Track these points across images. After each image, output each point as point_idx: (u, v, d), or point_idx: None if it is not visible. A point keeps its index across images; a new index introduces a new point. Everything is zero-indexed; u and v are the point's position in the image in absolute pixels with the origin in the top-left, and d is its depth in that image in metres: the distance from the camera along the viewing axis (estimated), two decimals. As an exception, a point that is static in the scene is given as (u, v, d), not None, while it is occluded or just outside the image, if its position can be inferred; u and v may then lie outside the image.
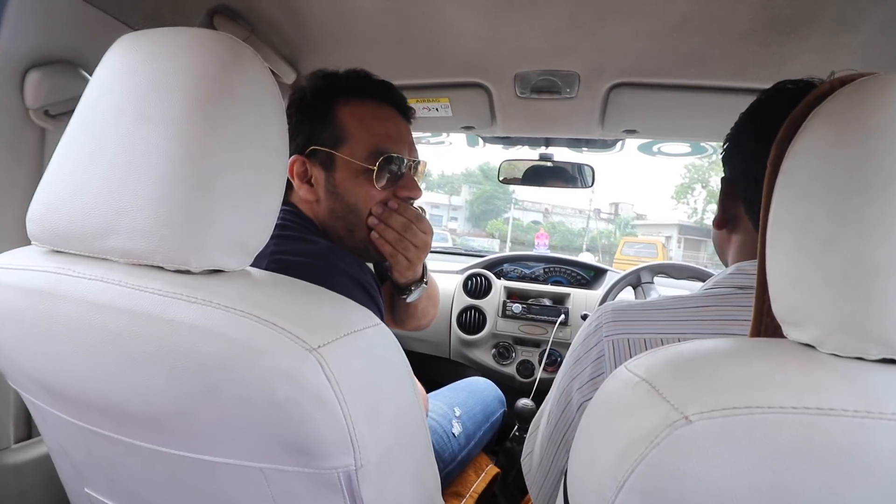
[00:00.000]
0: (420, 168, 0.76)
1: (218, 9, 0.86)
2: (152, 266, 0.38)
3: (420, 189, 0.73)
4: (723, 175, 0.60)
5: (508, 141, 1.47)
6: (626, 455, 0.28)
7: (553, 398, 0.61)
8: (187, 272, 0.38)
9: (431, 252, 2.15)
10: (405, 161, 0.70)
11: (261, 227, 0.41)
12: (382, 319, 0.65)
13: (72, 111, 0.56)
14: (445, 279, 1.67)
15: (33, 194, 0.44)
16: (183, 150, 0.37)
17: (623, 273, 1.31)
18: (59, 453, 0.54)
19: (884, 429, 0.26)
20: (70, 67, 0.73)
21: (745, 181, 0.56)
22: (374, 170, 0.67)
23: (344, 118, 0.69)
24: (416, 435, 0.44)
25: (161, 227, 0.36)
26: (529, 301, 1.56)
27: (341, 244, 0.70)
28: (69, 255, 0.42)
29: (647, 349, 0.40)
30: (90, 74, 0.76)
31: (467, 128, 1.34)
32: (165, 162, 0.37)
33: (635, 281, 1.37)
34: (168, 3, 0.81)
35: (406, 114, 0.75)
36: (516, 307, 1.54)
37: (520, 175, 1.52)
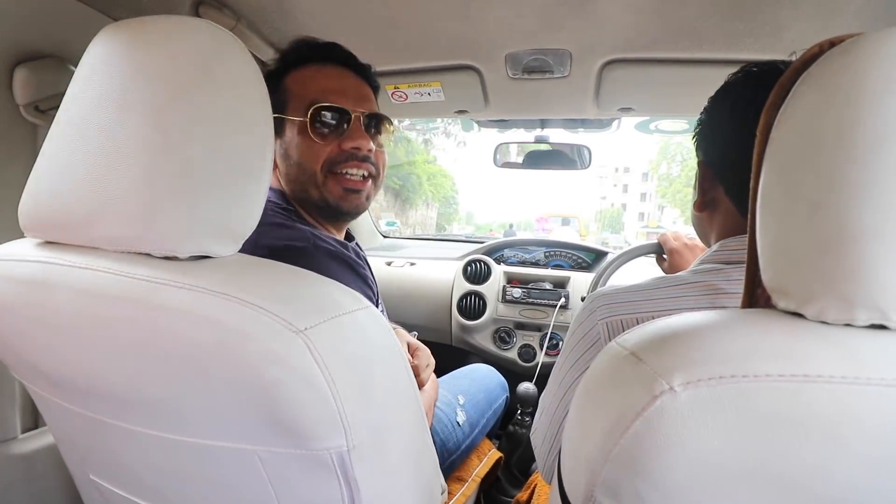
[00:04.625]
0: (380, 123, 0.74)
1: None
2: (140, 253, 0.38)
3: (367, 139, 0.70)
4: (698, 159, 0.61)
5: (503, 124, 1.45)
6: (613, 427, 0.28)
7: (555, 381, 0.62)
8: (175, 258, 0.38)
9: (430, 239, 2.16)
10: (347, 111, 0.69)
11: (248, 212, 0.41)
12: (376, 296, 0.66)
13: (58, 104, 0.56)
14: (445, 266, 1.67)
15: (19, 184, 0.44)
16: (166, 138, 0.36)
17: (615, 254, 1.30)
18: (64, 442, 0.55)
19: (871, 394, 0.25)
20: (58, 62, 0.72)
21: (722, 162, 0.57)
22: (313, 122, 0.67)
23: (288, 83, 0.72)
24: (411, 417, 0.44)
25: (146, 214, 0.36)
26: (529, 285, 1.56)
27: (306, 209, 0.72)
28: (60, 245, 0.42)
29: None
30: (74, 66, 0.75)
31: (461, 112, 1.33)
32: (149, 149, 0.36)
33: (624, 262, 1.36)
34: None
35: (358, 70, 0.75)
36: (516, 292, 1.54)
37: (516, 159, 1.51)
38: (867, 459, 0.26)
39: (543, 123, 1.43)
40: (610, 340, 0.52)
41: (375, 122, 0.73)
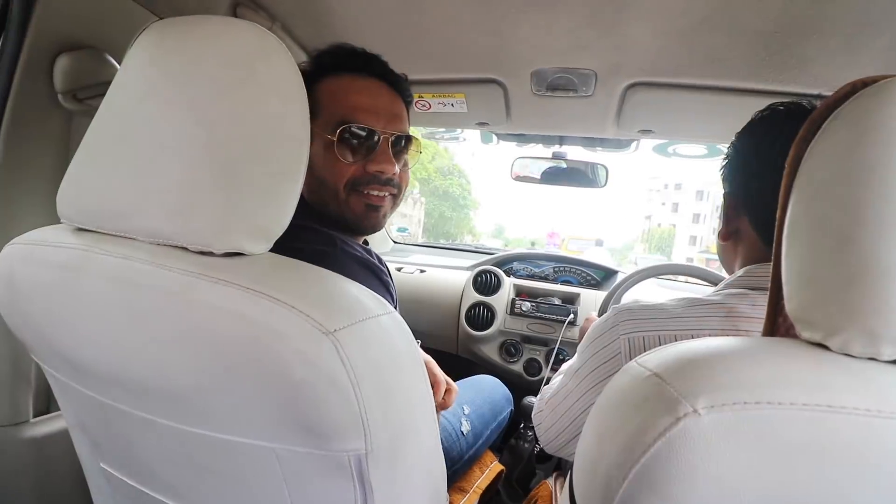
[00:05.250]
0: (408, 144, 0.72)
1: (241, 1, 0.87)
2: (176, 246, 0.39)
3: (392, 164, 0.68)
4: (723, 191, 0.63)
5: (522, 138, 1.46)
6: (633, 446, 0.28)
7: (567, 380, 0.65)
8: (210, 254, 0.38)
9: (441, 248, 2.16)
10: (375, 133, 0.66)
11: (281, 212, 0.42)
12: (395, 302, 0.66)
13: (99, 95, 0.58)
14: (455, 275, 1.67)
15: (60, 173, 0.45)
16: (208, 135, 0.37)
17: (628, 273, 1.30)
18: (77, 428, 0.56)
19: (893, 428, 0.26)
20: (97, 53, 0.74)
21: (748, 195, 0.59)
22: (334, 141, 0.64)
23: (319, 93, 0.68)
24: (426, 424, 0.44)
25: (186, 208, 0.37)
26: (538, 299, 1.56)
27: (324, 219, 0.69)
28: (96, 233, 0.43)
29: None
30: (117, 60, 0.78)
31: (482, 124, 1.34)
32: (191, 146, 0.37)
33: (641, 281, 1.36)
34: None
35: (396, 86, 0.72)
36: (525, 305, 1.54)
37: (533, 174, 1.52)
38: (888, 491, 0.26)
39: (562, 140, 1.44)
40: (630, 356, 0.53)
41: (403, 143, 0.71)
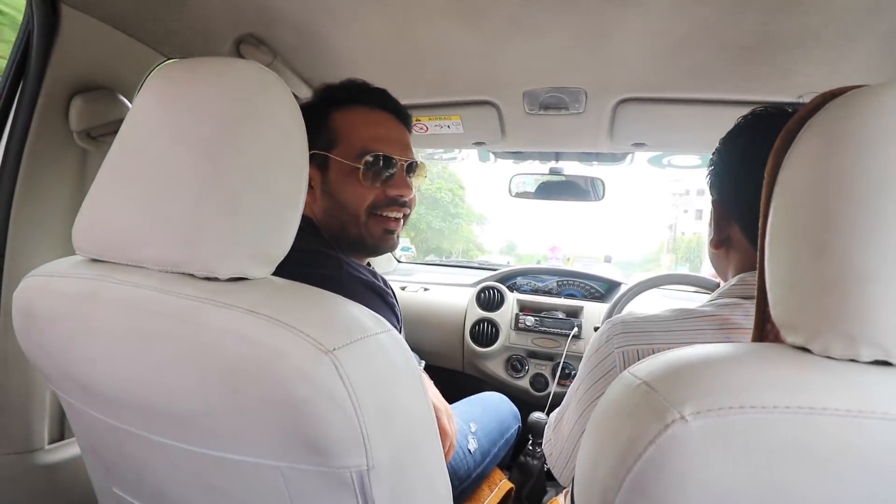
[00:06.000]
0: (417, 169, 0.80)
1: (243, 38, 0.91)
2: (184, 273, 0.41)
3: (410, 188, 0.76)
4: (712, 198, 0.63)
5: (519, 155, 1.49)
6: (625, 454, 0.29)
7: (569, 402, 0.65)
8: (215, 279, 0.40)
9: (444, 265, 2.18)
10: (394, 161, 0.74)
11: (282, 237, 0.44)
12: (400, 323, 0.68)
13: (111, 133, 0.61)
14: (458, 292, 1.68)
15: (75, 208, 0.47)
16: (213, 169, 0.40)
17: (629, 286, 1.30)
18: (90, 453, 0.57)
19: (876, 427, 0.27)
20: (110, 93, 0.78)
21: (736, 201, 0.59)
22: (360, 168, 0.71)
23: (337, 123, 0.74)
24: (428, 441, 0.45)
25: (193, 237, 0.39)
26: (542, 314, 1.57)
27: (339, 242, 0.74)
28: (109, 263, 0.45)
29: None
30: (128, 99, 0.81)
31: (478, 143, 1.37)
32: (197, 179, 0.40)
33: (640, 292, 1.37)
34: (198, 33, 0.87)
35: (402, 118, 0.80)
36: (529, 320, 1.54)
37: (531, 189, 1.54)
38: (871, 490, 0.27)
39: (558, 156, 1.47)
40: (625, 369, 0.54)
41: (414, 169, 0.79)
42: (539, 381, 1.50)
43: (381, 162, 0.72)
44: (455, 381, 1.64)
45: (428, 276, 1.93)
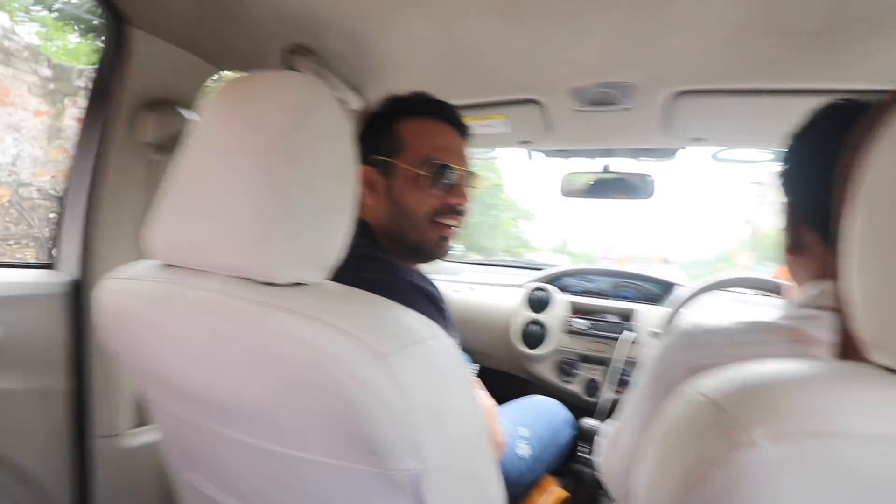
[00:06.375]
0: (474, 178, 0.83)
1: (292, 48, 0.95)
2: (245, 278, 0.43)
3: (468, 196, 0.80)
4: (783, 200, 0.58)
5: (567, 153, 1.46)
6: (689, 476, 0.27)
7: (627, 414, 0.62)
8: (274, 284, 0.43)
9: (490, 265, 2.16)
10: (454, 170, 0.77)
11: (335, 244, 0.46)
12: (451, 328, 0.68)
13: (172, 143, 0.65)
14: (505, 292, 1.67)
15: (143, 213, 0.52)
16: (270, 179, 0.42)
17: (694, 288, 1.23)
18: (167, 440, 0.62)
19: None
20: (171, 107, 0.85)
21: (811, 204, 0.53)
22: (427, 176, 0.75)
23: (403, 131, 0.77)
24: (479, 444, 0.45)
25: (254, 245, 0.42)
26: (594, 317, 1.52)
27: (395, 246, 0.77)
28: (180, 268, 0.49)
29: None
30: (186, 110, 0.88)
31: (524, 142, 1.35)
32: (256, 190, 0.42)
33: (701, 295, 1.29)
34: (250, 46, 0.92)
35: (461, 130, 0.82)
36: (580, 323, 1.50)
37: (581, 188, 1.50)
38: None
39: (607, 152, 1.42)
40: (689, 384, 0.51)
41: (472, 178, 0.83)
42: (591, 387, 1.45)
43: (443, 170, 0.76)
44: (501, 382, 1.62)
45: (474, 275, 1.93)
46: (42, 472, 0.81)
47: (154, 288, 0.48)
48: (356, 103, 1.16)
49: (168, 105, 0.84)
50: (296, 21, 0.87)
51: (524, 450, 0.99)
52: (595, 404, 1.42)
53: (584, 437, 1.26)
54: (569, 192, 1.54)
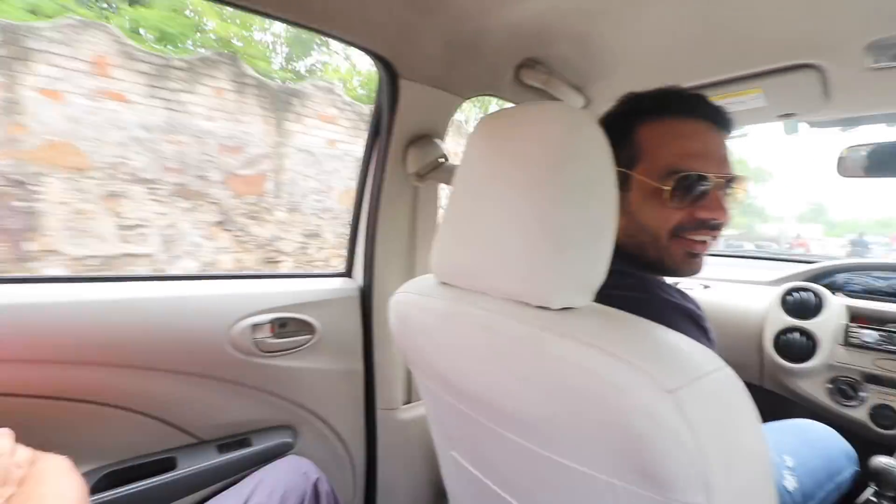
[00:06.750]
0: (736, 183, 0.66)
1: (522, 63, 0.99)
2: (519, 301, 0.48)
3: (724, 209, 0.64)
4: None
5: (850, 123, 1.15)
6: None
7: None
8: (546, 308, 0.46)
9: (728, 256, 1.86)
10: (707, 179, 0.63)
11: (600, 267, 0.47)
12: (713, 346, 0.62)
13: (429, 172, 0.75)
14: (751, 291, 1.42)
15: (408, 232, 0.60)
16: (538, 210, 0.46)
17: None
18: (434, 421, 0.73)
19: None
20: (428, 139, 0.98)
21: None
22: (666, 190, 0.63)
23: (641, 138, 0.67)
24: (766, 486, 0.42)
25: (529, 272, 0.46)
26: (888, 326, 1.18)
27: (635, 261, 0.68)
28: (456, 287, 0.57)
29: None
30: (440, 141, 1.00)
31: (786, 115, 1.12)
32: (526, 220, 0.46)
33: None
34: (486, 71, 0.99)
35: (722, 125, 0.67)
36: (868, 335, 1.18)
37: (869, 165, 1.16)
38: None
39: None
40: None
41: (733, 186, 0.67)
42: (884, 415, 1.14)
43: (691, 182, 0.63)
44: (753, 397, 1.40)
45: (708, 268, 1.68)
46: (345, 431, 1.06)
47: (442, 305, 0.57)
48: (579, 103, 1.14)
49: (426, 138, 0.98)
50: (528, 36, 0.90)
51: (790, 482, 0.84)
52: (891, 438, 1.11)
53: (879, 480, 1.00)
54: (849, 171, 1.21)
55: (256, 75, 4.29)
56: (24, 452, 0.51)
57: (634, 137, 0.67)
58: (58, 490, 0.50)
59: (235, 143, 4.19)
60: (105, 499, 0.74)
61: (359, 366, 1.07)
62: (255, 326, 0.90)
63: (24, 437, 0.53)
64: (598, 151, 0.48)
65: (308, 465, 0.85)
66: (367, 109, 4.84)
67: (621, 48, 0.93)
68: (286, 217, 4.66)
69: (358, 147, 4.56)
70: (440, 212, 1.08)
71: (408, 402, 1.11)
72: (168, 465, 0.82)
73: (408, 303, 0.64)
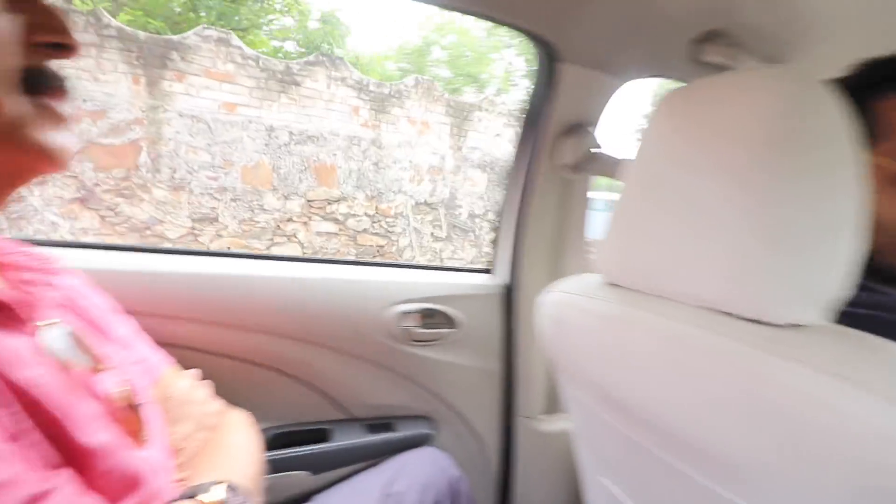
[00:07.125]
0: None
1: (702, 37, 0.84)
2: (721, 312, 0.39)
3: None
4: None
5: None
6: None
7: None
8: (761, 322, 0.37)
9: None
10: None
11: (839, 276, 0.37)
12: None
13: (583, 163, 0.67)
14: None
15: (556, 229, 0.53)
16: (753, 199, 0.37)
17: None
18: (581, 438, 0.66)
19: None
20: (583, 128, 0.90)
21: None
22: None
23: (885, 112, 0.54)
24: None
25: (735, 275, 0.37)
26: None
27: (865, 267, 0.52)
28: (626, 289, 0.49)
29: None
30: (593, 128, 0.91)
31: None
32: (734, 211, 0.37)
33: None
34: (653, 50, 0.87)
35: None
36: None
37: None
38: None
39: None
40: None
41: None
42: None
43: None
44: None
45: None
46: (482, 432, 1.03)
47: (606, 307, 0.50)
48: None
49: (581, 127, 0.90)
50: (708, 7, 0.77)
51: None
52: None
53: None
54: None
55: (119, 24, 3.67)
56: (216, 404, 0.59)
57: (874, 113, 0.55)
58: (242, 441, 0.56)
59: (95, 107, 3.56)
60: (272, 457, 0.82)
61: (497, 366, 1.03)
62: (405, 314, 0.93)
63: (215, 392, 0.61)
64: (838, 128, 0.37)
65: (447, 461, 0.85)
66: (277, 61, 3.94)
67: (822, 5, 0.74)
68: (168, 196, 3.93)
69: (268, 112, 3.72)
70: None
71: (549, 412, 1.04)
72: (322, 435, 0.89)
73: (564, 303, 0.58)
